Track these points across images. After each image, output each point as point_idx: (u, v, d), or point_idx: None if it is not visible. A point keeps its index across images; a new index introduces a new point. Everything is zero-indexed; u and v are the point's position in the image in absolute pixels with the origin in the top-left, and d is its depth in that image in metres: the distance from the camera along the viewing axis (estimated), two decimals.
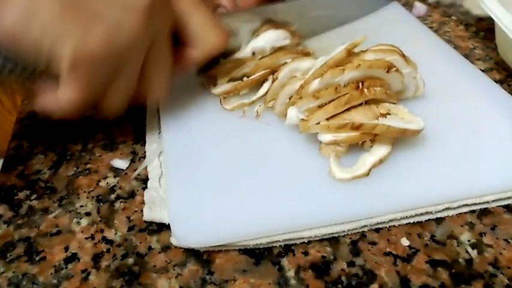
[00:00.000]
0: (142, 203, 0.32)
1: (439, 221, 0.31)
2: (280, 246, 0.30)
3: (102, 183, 0.35)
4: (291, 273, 0.28)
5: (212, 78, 0.41)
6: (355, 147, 0.33)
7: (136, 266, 0.29)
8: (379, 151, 0.33)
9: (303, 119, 0.33)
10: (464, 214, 0.31)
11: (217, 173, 0.33)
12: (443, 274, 0.28)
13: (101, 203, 0.33)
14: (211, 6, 0.43)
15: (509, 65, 0.44)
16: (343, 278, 0.28)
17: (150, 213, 0.31)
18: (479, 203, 0.31)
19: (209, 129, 0.37)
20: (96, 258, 0.29)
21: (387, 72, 0.33)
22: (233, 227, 0.29)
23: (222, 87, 0.40)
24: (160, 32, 0.32)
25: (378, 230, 0.30)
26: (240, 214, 0.30)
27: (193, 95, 0.40)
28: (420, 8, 0.58)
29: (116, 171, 0.36)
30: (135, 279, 0.28)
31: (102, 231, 0.31)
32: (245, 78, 0.39)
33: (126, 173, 0.35)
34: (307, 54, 0.40)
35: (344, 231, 0.30)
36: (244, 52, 0.39)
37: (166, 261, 0.29)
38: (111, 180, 0.35)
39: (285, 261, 0.29)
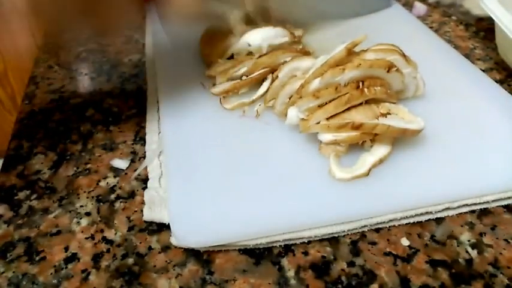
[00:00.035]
0: (142, 203, 0.32)
1: (439, 221, 0.31)
2: (280, 246, 0.30)
3: (102, 183, 0.35)
4: (291, 273, 0.28)
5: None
6: (355, 147, 0.33)
7: (136, 266, 0.29)
8: (379, 151, 0.33)
9: (303, 119, 0.33)
10: (464, 214, 0.31)
11: (217, 172, 0.33)
12: (443, 274, 0.28)
13: (101, 203, 0.33)
14: None
15: (509, 65, 0.44)
16: (343, 278, 0.28)
17: (150, 213, 0.31)
18: (479, 203, 0.31)
19: (209, 129, 0.37)
20: (96, 258, 0.29)
21: (388, 71, 0.33)
22: (233, 227, 0.29)
23: (221, 86, 0.40)
24: None
25: (378, 230, 0.30)
26: (240, 214, 0.30)
27: (193, 94, 0.40)
28: (420, 8, 0.58)
29: (116, 171, 0.36)
30: (135, 279, 0.28)
31: (102, 231, 0.31)
32: (244, 77, 0.39)
33: (126, 173, 0.35)
34: (307, 53, 0.40)
35: (344, 231, 0.30)
36: (241, 44, 0.39)
37: (166, 261, 0.29)
38: (111, 180, 0.35)
39: (285, 261, 0.29)
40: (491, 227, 0.31)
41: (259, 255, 0.29)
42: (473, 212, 0.32)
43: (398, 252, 0.29)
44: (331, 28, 0.50)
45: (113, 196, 0.34)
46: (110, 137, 0.39)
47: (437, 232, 0.30)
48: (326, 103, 0.32)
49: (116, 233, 0.31)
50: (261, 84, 0.39)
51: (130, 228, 0.31)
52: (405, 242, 0.30)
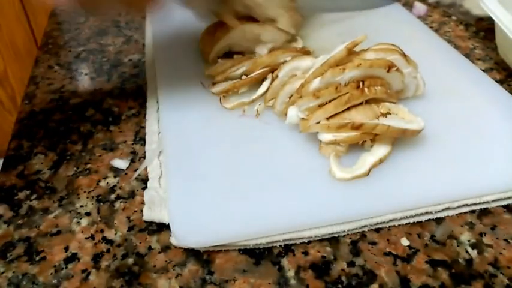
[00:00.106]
0: (142, 203, 0.32)
1: (439, 221, 0.31)
2: (280, 246, 0.30)
3: (102, 183, 0.35)
4: (291, 273, 0.28)
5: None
6: (355, 146, 0.33)
7: (136, 266, 0.29)
8: (379, 151, 0.33)
9: (303, 118, 0.33)
10: (464, 214, 0.31)
11: (217, 172, 0.33)
12: (443, 274, 0.28)
13: (101, 203, 0.33)
14: None
15: (509, 65, 0.44)
16: (343, 278, 0.28)
17: (150, 213, 0.31)
18: (479, 203, 0.31)
19: (209, 129, 0.37)
20: (96, 258, 0.29)
21: (388, 71, 0.33)
22: (233, 227, 0.29)
23: (221, 85, 0.40)
24: None
25: (378, 230, 0.30)
26: (240, 214, 0.30)
27: (193, 94, 0.40)
28: (420, 8, 0.58)
29: (116, 171, 0.36)
30: (135, 279, 0.28)
31: (102, 231, 0.31)
32: (244, 77, 0.39)
33: (126, 173, 0.35)
34: (307, 52, 0.40)
35: (344, 231, 0.30)
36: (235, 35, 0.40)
37: (166, 261, 0.29)
38: (111, 180, 0.35)
39: (285, 261, 0.29)
40: (491, 227, 0.30)
41: (259, 255, 0.29)
42: (473, 212, 0.31)
43: (398, 252, 0.29)
44: (331, 28, 0.50)
45: (113, 196, 0.34)
46: (110, 137, 0.39)
47: (437, 232, 0.30)
48: (326, 103, 0.32)
49: (116, 233, 0.31)
50: (261, 83, 0.39)
51: (130, 228, 0.31)
52: (405, 242, 0.30)
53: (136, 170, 0.35)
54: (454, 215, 0.31)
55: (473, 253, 0.29)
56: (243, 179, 0.32)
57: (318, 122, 0.32)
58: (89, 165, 0.36)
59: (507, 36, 0.40)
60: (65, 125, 0.40)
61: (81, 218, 0.32)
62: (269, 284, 0.27)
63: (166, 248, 0.30)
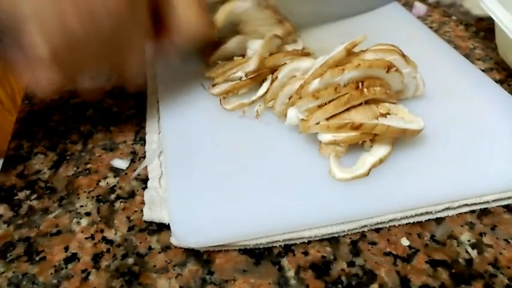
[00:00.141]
0: (142, 203, 0.32)
1: (439, 221, 0.31)
2: (280, 246, 0.30)
3: (102, 183, 0.35)
4: (291, 273, 0.28)
5: (207, 53, 0.42)
6: (355, 147, 0.33)
7: (137, 266, 0.29)
8: (379, 151, 0.33)
9: (302, 119, 0.33)
10: (464, 214, 0.31)
11: (217, 173, 0.33)
12: (443, 274, 0.28)
13: (101, 203, 0.33)
14: None
15: (509, 65, 0.44)
16: (343, 278, 0.28)
17: (150, 213, 0.31)
18: (479, 203, 0.31)
19: (209, 129, 0.37)
20: (96, 258, 0.29)
21: (387, 72, 0.33)
22: (233, 227, 0.29)
23: (221, 86, 0.40)
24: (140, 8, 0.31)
25: (378, 230, 0.30)
26: (240, 214, 0.30)
27: (193, 95, 0.40)
28: (420, 8, 0.58)
29: (116, 171, 0.36)
30: (135, 279, 0.28)
31: (102, 231, 0.31)
32: (244, 78, 0.39)
33: (126, 173, 0.35)
34: (306, 53, 0.40)
35: (344, 231, 0.30)
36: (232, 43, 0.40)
37: (166, 261, 0.29)
38: (111, 180, 0.35)
39: (285, 261, 0.29)
40: (491, 227, 0.31)
41: (259, 255, 0.29)
42: (473, 212, 0.32)
43: (398, 252, 0.29)
44: (330, 28, 0.50)
45: (113, 196, 0.34)
46: (110, 137, 0.39)
47: (437, 232, 0.30)
48: (326, 103, 0.32)
49: (116, 233, 0.31)
50: (261, 84, 0.39)
51: (130, 228, 0.31)
52: (405, 242, 0.30)
53: (136, 170, 0.35)
54: (454, 215, 0.31)
55: (473, 253, 0.29)
56: (243, 179, 0.32)
57: (318, 123, 0.32)
58: (89, 165, 0.36)
59: (507, 36, 0.40)
60: (65, 125, 0.41)
61: (81, 218, 0.32)
62: (269, 284, 0.27)
63: (166, 248, 0.30)
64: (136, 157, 0.37)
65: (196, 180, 0.32)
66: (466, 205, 0.31)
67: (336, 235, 0.30)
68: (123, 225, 0.31)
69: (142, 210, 0.32)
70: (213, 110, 0.39)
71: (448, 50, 0.46)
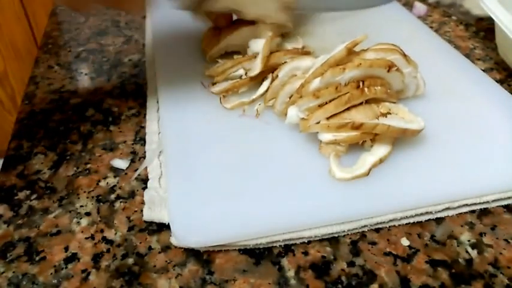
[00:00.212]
0: (142, 203, 0.32)
1: (439, 221, 0.31)
2: (280, 246, 0.30)
3: (102, 183, 0.35)
4: (291, 273, 0.28)
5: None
6: (355, 146, 0.33)
7: (137, 266, 0.29)
8: (379, 151, 0.33)
9: (303, 118, 0.33)
10: (464, 214, 0.31)
11: (217, 172, 0.33)
12: (443, 274, 0.28)
13: (101, 203, 0.33)
14: None
15: (509, 65, 0.44)
16: (343, 278, 0.28)
17: (150, 213, 0.31)
18: (479, 203, 0.31)
19: (209, 129, 0.37)
20: (96, 258, 0.29)
21: (388, 71, 0.33)
22: (233, 227, 0.29)
23: (221, 85, 0.40)
24: None
25: (378, 230, 0.30)
26: (240, 214, 0.30)
27: (193, 94, 0.40)
28: (420, 8, 0.58)
29: (116, 171, 0.36)
30: (135, 279, 0.28)
31: (102, 231, 0.31)
32: (244, 77, 0.39)
33: (126, 173, 0.35)
34: (307, 52, 0.40)
35: (344, 231, 0.30)
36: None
37: (166, 261, 0.29)
38: (111, 180, 0.35)
39: (285, 261, 0.29)
40: (491, 227, 0.30)
41: (259, 255, 0.29)
42: (473, 212, 0.31)
43: (398, 252, 0.29)
44: (330, 27, 0.50)
45: (113, 196, 0.34)
46: (110, 137, 0.39)
47: (437, 232, 0.30)
48: (326, 103, 0.32)
49: (116, 233, 0.31)
50: (261, 83, 0.39)
51: (130, 228, 0.31)
52: (405, 242, 0.30)
53: (137, 170, 0.35)
54: (454, 215, 0.31)
55: (473, 253, 0.29)
56: (243, 179, 0.32)
57: (318, 122, 0.32)
58: (89, 165, 0.36)
59: (507, 36, 0.40)
60: (65, 125, 0.40)
61: (81, 218, 0.32)
62: (269, 284, 0.27)
63: (166, 248, 0.30)
64: (136, 157, 0.37)
65: (196, 180, 0.32)
66: (466, 205, 0.31)
67: (336, 235, 0.30)
68: (123, 225, 0.31)
69: (142, 210, 0.32)
70: (213, 109, 0.39)
71: (448, 50, 0.46)
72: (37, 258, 0.29)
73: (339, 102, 0.32)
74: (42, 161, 0.37)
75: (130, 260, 0.29)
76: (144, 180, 0.34)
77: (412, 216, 0.30)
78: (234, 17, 0.44)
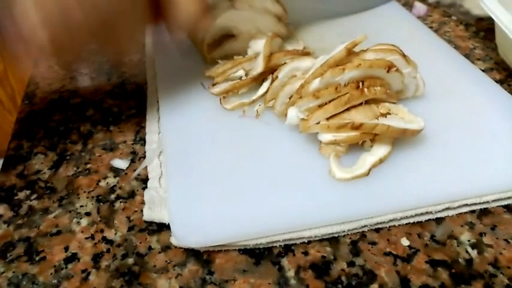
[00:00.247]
0: (142, 203, 0.32)
1: (439, 221, 0.31)
2: (280, 246, 0.30)
3: (102, 183, 0.35)
4: (291, 273, 0.28)
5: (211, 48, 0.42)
6: (355, 147, 0.33)
7: (137, 266, 0.29)
8: (379, 151, 0.33)
9: (303, 119, 0.33)
10: (464, 214, 0.31)
11: (217, 172, 0.33)
12: (443, 274, 0.28)
13: (101, 203, 0.33)
14: None
15: (509, 65, 0.44)
16: (343, 278, 0.28)
17: (150, 213, 0.31)
18: (479, 203, 0.31)
19: (209, 129, 0.37)
20: (96, 258, 0.29)
21: (387, 71, 0.33)
22: (233, 227, 0.29)
23: (221, 86, 0.40)
24: None
25: (378, 230, 0.30)
26: (240, 214, 0.30)
27: (193, 94, 0.40)
28: (420, 8, 0.58)
29: (116, 171, 0.36)
30: (135, 279, 0.28)
31: (102, 231, 0.31)
32: (244, 77, 0.39)
33: (126, 173, 0.35)
34: (307, 53, 0.40)
35: (344, 231, 0.30)
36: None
37: (166, 261, 0.29)
38: (111, 180, 0.35)
39: (285, 261, 0.29)
40: (491, 227, 0.31)
41: (259, 255, 0.29)
42: (473, 212, 0.32)
43: (398, 252, 0.29)
44: (330, 28, 0.50)
45: (113, 196, 0.34)
46: (110, 137, 0.39)
47: (437, 232, 0.30)
48: (326, 103, 0.32)
49: (116, 233, 0.31)
50: (261, 84, 0.39)
51: (130, 228, 0.31)
52: (405, 242, 0.30)
53: (136, 170, 0.35)
54: (454, 215, 0.31)
55: (473, 253, 0.29)
56: (243, 179, 0.32)
57: (318, 123, 0.32)
58: (89, 165, 0.36)
59: (507, 36, 0.40)
60: (65, 125, 0.41)
61: (81, 218, 0.32)
62: (269, 284, 0.27)
63: (166, 248, 0.30)
64: (136, 157, 0.37)
65: (196, 180, 0.32)
66: (466, 205, 0.31)
67: (336, 235, 0.30)
68: (123, 225, 0.31)
69: (142, 210, 0.32)
70: (213, 109, 0.39)
71: (448, 50, 0.46)
72: (37, 258, 0.29)
73: (338, 103, 0.32)
74: (42, 161, 0.37)
75: (130, 260, 0.29)
76: (144, 180, 0.34)
77: (412, 216, 0.30)
78: None
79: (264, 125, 0.37)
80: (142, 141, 0.38)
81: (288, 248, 0.29)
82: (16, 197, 0.34)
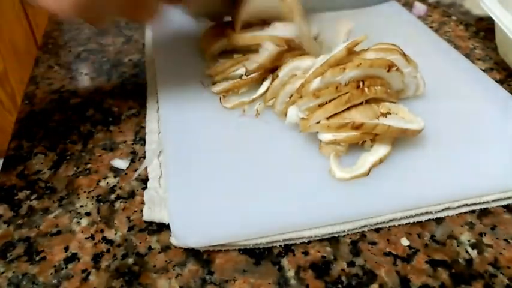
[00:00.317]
0: (142, 203, 0.32)
1: (439, 221, 0.31)
2: (280, 246, 0.30)
3: (102, 183, 0.35)
4: (291, 273, 0.28)
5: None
6: (355, 146, 0.33)
7: (137, 266, 0.29)
8: (379, 151, 0.33)
9: (303, 118, 0.33)
10: (464, 214, 0.31)
11: (217, 172, 0.33)
12: (443, 274, 0.28)
13: (101, 203, 0.33)
14: None
15: (509, 65, 0.44)
16: (343, 278, 0.28)
17: (150, 213, 0.31)
18: (479, 203, 0.31)
19: (209, 129, 0.37)
20: (96, 258, 0.29)
21: (388, 71, 0.33)
22: (233, 227, 0.29)
23: (221, 85, 0.40)
24: None
25: (377, 230, 0.30)
26: (240, 214, 0.30)
27: (193, 93, 0.40)
28: (420, 8, 0.58)
29: (116, 171, 0.36)
30: (135, 279, 0.28)
31: (102, 231, 0.31)
32: (244, 76, 0.39)
33: (126, 173, 0.35)
34: (307, 53, 0.40)
35: (344, 231, 0.30)
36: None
37: (166, 261, 0.29)
38: (111, 180, 0.35)
39: (285, 261, 0.29)
40: (491, 227, 0.30)
41: (259, 255, 0.29)
42: (473, 212, 0.31)
43: (398, 252, 0.29)
44: (329, 26, 0.50)
45: (113, 196, 0.34)
46: (110, 137, 0.39)
47: (437, 232, 0.30)
48: (326, 102, 0.32)
49: (116, 233, 0.31)
50: (261, 83, 0.39)
51: (130, 228, 0.31)
52: (405, 242, 0.30)
53: (137, 170, 0.35)
54: (454, 215, 0.31)
55: (473, 253, 0.29)
56: (242, 179, 0.32)
57: (318, 122, 0.32)
58: (89, 165, 0.36)
59: (507, 36, 0.40)
60: (65, 125, 0.40)
61: (81, 218, 0.32)
62: (269, 284, 0.27)
63: (166, 248, 0.30)
64: (136, 157, 0.37)
65: (196, 180, 0.32)
66: (466, 205, 0.31)
67: (336, 235, 0.30)
68: (123, 225, 0.31)
69: (142, 210, 0.32)
70: (213, 108, 0.39)
71: (448, 50, 0.46)
72: (37, 258, 0.29)
73: (339, 102, 0.32)
74: (42, 161, 0.37)
75: (130, 260, 0.29)
76: (144, 180, 0.34)
77: (412, 216, 0.30)
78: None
79: (264, 124, 0.37)
80: (142, 141, 0.38)
81: (288, 248, 0.29)
82: (16, 197, 0.34)
